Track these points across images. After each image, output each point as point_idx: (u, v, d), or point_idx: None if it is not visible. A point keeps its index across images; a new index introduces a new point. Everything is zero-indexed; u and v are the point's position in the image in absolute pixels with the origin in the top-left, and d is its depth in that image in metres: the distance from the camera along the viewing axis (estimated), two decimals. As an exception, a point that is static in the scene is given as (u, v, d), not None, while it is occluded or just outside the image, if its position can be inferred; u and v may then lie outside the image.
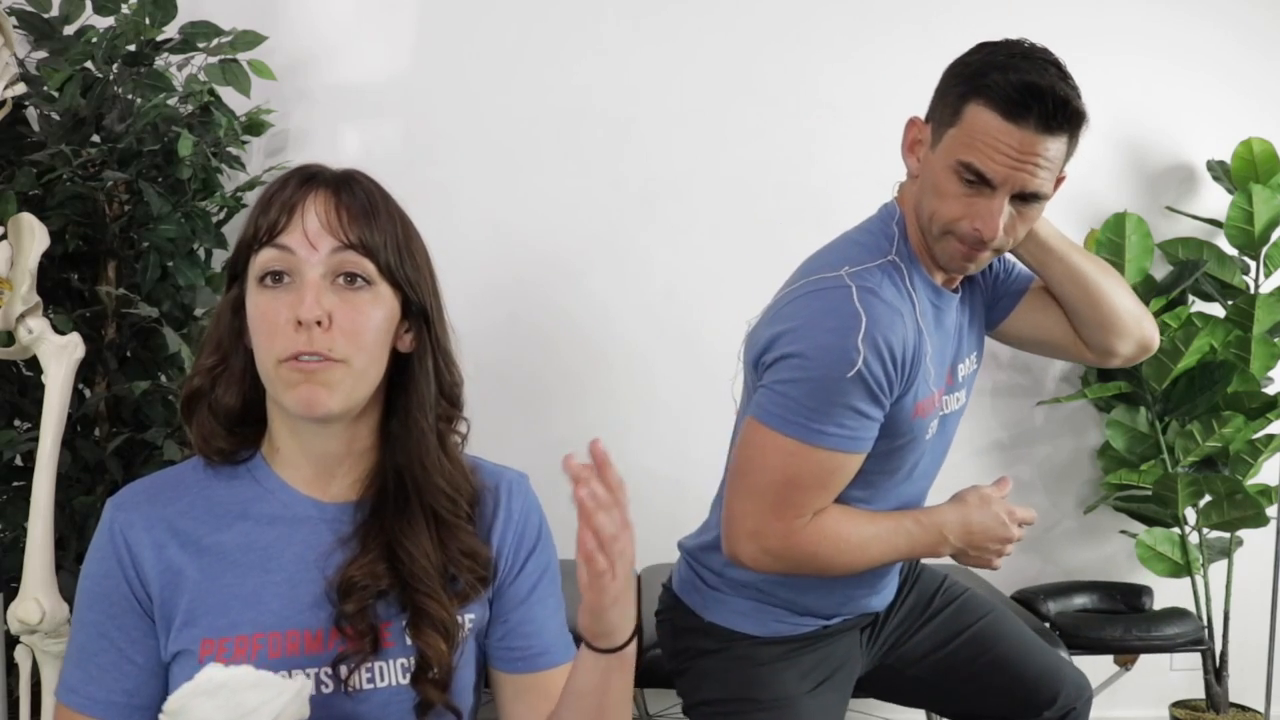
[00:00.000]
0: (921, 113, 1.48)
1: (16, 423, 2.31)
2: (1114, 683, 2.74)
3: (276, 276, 0.99)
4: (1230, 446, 2.69)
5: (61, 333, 1.89)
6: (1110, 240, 2.73)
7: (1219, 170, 2.80)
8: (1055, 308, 1.63)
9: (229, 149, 2.47)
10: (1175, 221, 2.86)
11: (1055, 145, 1.36)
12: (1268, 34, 2.90)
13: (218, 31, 2.41)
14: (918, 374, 1.42)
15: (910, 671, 1.70)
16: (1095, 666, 2.51)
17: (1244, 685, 2.75)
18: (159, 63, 2.41)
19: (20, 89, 2.00)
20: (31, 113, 2.40)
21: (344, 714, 1.01)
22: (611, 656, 0.97)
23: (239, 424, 1.06)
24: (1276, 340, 2.72)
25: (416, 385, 1.06)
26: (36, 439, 1.85)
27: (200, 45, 2.41)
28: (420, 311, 1.05)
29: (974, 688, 1.69)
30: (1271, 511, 2.66)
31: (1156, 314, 2.69)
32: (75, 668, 1.03)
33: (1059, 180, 1.42)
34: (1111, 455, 2.82)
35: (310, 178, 1.02)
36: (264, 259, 0.99)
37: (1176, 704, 2.83)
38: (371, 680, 1.02)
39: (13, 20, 2.30)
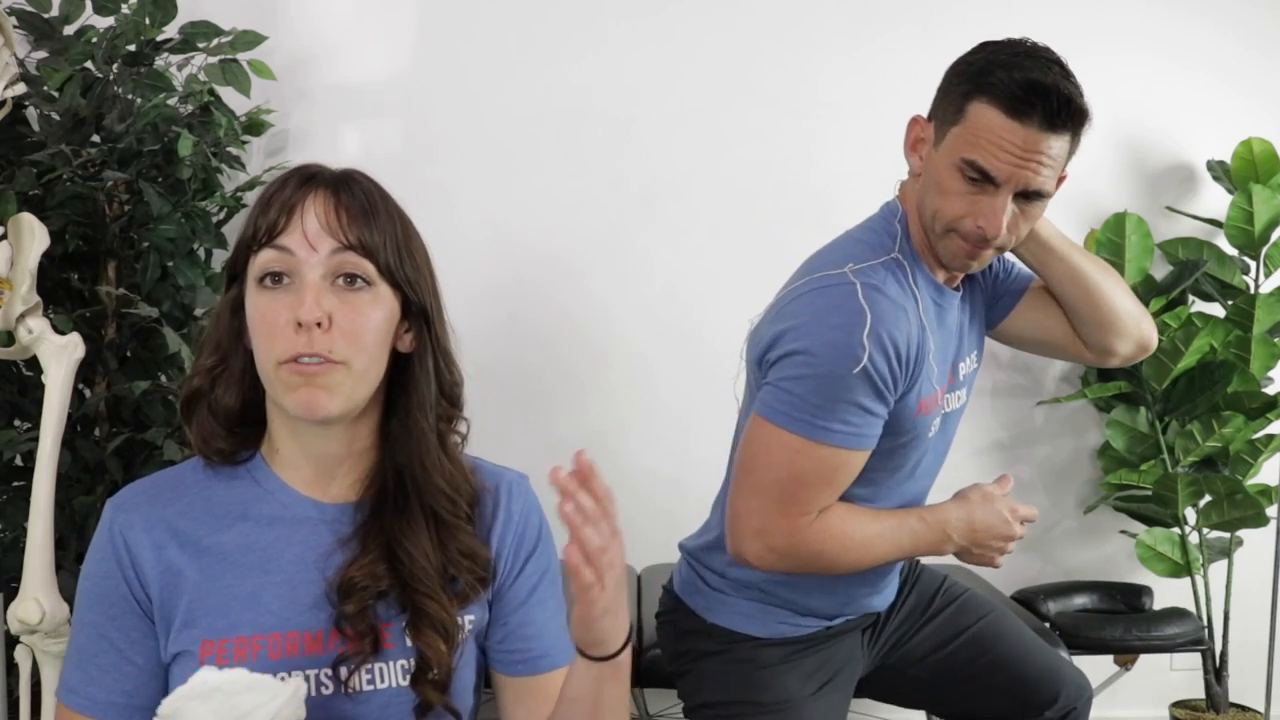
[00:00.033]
0: (921, 112, 1.48)
1: (16, 423, 2.31)
2: (1114, 683, 2.74)
3: (276, 277, 0.99)
4: (1230, 446, 2.69)
5: (61, 333, 1.89)
6: (1110, 240, 2.73)
7: (1219, 170, 2.80)
8: (1055, 307, 1.63)
9: (229, 149, 2.47)
10: (1175, 221, 2.86)
11: (1058, 143, 1.36)
12: (1268, 34, 2.90)
13: (218, 31, 2.41)
14: (921, 371, 1.42)
15: (911, 672, 1.70)
16: (1095, 666, 2.50)
17: (1244, 685, 2.75)
18: (159, 63, 2.41)
19: (20, 89, 2.00)
20: (31, 113, 2.41)
21: (343, 715, 1.01)
22: (604, 665, 0.97)
23: (239, 424, 1.06)
24: (1276, 340, 2.72)
25: (417, 385, 1.05)
26: (36, 439, 1.85)
27: (200, 45, 2.41)
28: (420, 311, 1.05)
29: (975, 688, 1.69)
30: (1271, 511, 2.65)
31: (1156, 314, 2.69)
32: (75, 668, 1.03)
33: (1060, 179, 1.42)
34: (1111, 455, 2.82)
35: (310, 178, 1.02)
36: (263, 260, 0.99)
37: (1176, 704, 2.83)
38: (371, 681, 1.02)
39: (13, 20, 2.30)
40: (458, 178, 2.76)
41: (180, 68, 2.46)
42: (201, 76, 2.43)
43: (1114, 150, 2.88)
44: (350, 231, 0.99)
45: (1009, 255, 1.60)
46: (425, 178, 2.73)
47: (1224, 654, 2.73)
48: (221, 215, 2.49)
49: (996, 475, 1.59)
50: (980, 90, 1.36)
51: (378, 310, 1.01)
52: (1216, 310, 2.80)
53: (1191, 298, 2.81)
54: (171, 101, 2.36)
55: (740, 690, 1.55)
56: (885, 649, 1.70)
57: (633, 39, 2.79)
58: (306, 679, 0.99)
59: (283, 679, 0.93)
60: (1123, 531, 2.88)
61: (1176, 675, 2.93)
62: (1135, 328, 1.61)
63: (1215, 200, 2.84)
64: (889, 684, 1.74)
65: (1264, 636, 2.69)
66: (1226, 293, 2.78)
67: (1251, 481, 2.73)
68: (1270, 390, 2.74)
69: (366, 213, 1.01)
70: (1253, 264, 2.75)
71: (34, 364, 2.01)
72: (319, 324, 0.97)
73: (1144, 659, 2.71)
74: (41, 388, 1.86)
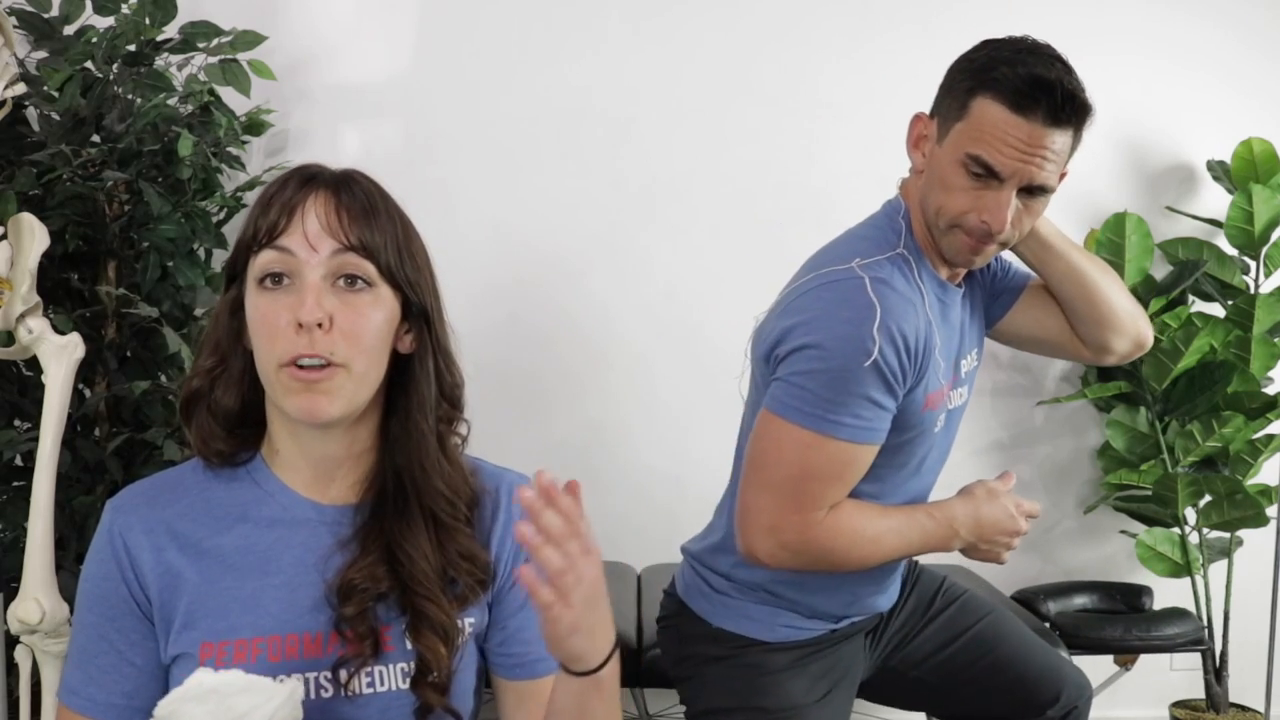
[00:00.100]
0: (922, 112, 1.48)
1: (16, 423, 2.31)
2: (1114, 683, 2.74)
3: (276, 278, 0.99)
4: (1230, 446, 2.69)
5: (61, 333, 1.89)
6: (1110, 240, 2.73)
7: (1219, 170, 2.80)
8: (1053, 305, 1.64)
9: (229, 149, 2.47)
10: (1175, 221, 2.86)
11: (1062, 138, 1.37)
12: (1268, 34, 2.90)
13: (218, 31, 2.41)
14: (929, 365, 1.43)
15: (913, 674, 1.70)
16: (1095, 666, 2.50)
17: (1244, 685, 2.75)
18: (159, 63, 2.41)
19: (20, 89, 2.00)
20: (31, 113, 2.41)
21: (343, 718, 1.00)
22: (585, 680, 0.94)
23: (238, 425, 1.06)
24: (1276, 340, 2.72)
25: (417, 386, 1.05)
26: (36, 439, 1.85)
27: (200, 45, 2.41)
28: (421, 312, 1.05)
29: (976, 689, 1.69)
30: (1271, 511, 2.65)
31: (1156, 314, 2.69)
32: (76, 669, 1.03)
33: (1062, 175, 1.42)
34: (1111, 455, 2.82)
35: (310, 178, 1.02)
36: (264, 260, 0.99)
37: (1176, 704, 2.83)
38: (371, 684, 1.01)
39: (13, 20, 2.30)
40: (458, 178, 2.76)
41: (180, 68, 2.46)
42: (201, 76, 2.43)
43: (1114, 150, 2.88)
44: (351, 232, 0.99)
45: (1007, 254, 1.60)
46: (425, 178, 2.73)
47: (1224, 654, 2.73)
48: (221, 215, 2.49)
49: (997, 475, 1.59)
50: (984, 86, 1.36)
51: (378, 311, 1.01)
52: (1216, 310, 2.80)
53: (1191, 298, 2.81)
54: (171, 101, 2.36)
55: (745, 696, 1.55)
56: (887, 651, 1.69)
57: (633, 39, 2.79)
58: (306, 681, 0.99)
59: (280, 681, 0.93)
60: (1123, 531, 2.88)
61: (1176, 675, 2.93)
62: (1132, 325, 1.62)
63: (1215, 200, 2.84)
64: (890, 686, 1.74)
65: (1264, 636, 2.69)
66: (1226, 293, 2.78)
67: (1251, 481, 2.73)
68: (1270, 390, 2.74)
69: (367, 213, 1.01)
70: (1253, 264, 2.75)
71: (34, 364, 2.01)
72: (320, 325, 0.97)
73: (1144, 659, 2.71)
74: (41, 388, 1.86)
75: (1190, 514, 2.74)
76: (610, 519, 2.62)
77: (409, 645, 1.02)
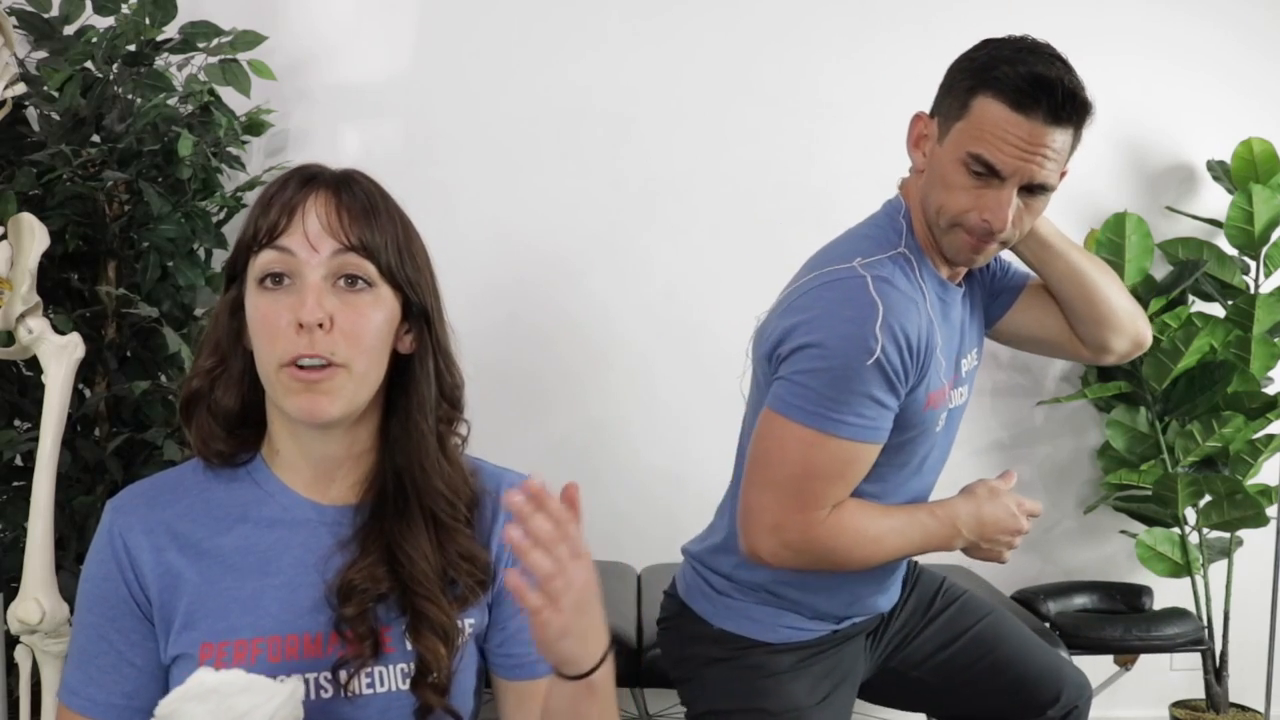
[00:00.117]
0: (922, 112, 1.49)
1: (16, 423, 2.31)
2: (1114, 683, 2.74)
3: (276, 278, 0.99)
4: (1230, 446, 2.69)
5: (61, 333, 1.89)
6: (1110, 240, 2.73)
7: (1219, 170, 2.80)
8: (1052, 304, 1.64)
9: (229, 149, 2.47)
10: (1175, 221, 2.86)
11: (1062, 137, 1.37)
12: (1268, 34, 2.90)
13: (218, 31, 2.41)
14: (930, 364, 1.43)
15: (913, 674, 1.70)
16: (1095, 666, 2.51)
17: (1244, 685, 2.75)
18: (159, 63, 2.41)
19: (20, 89, 2.00)
20: (31, 113, 2.41)
21: (342, 719, 1.00)
22: (578, 683, 0.94)
23: (238, 426, 1.06)
24: (1276, 340, 2.72)
25: (417, 386, 1.05)
26: (36, 439, 1.85)
27: (200, 45, 2.41)
28: (421, 312, 1.05)
29: (976, 689, 1.69)
30: (1271, 511, 2.65)
31: (1156, 314, 2.69)
32: (76, 669, 1.03)
33: (1062, 174, 1.43)
34: (1111, 455, 2.82)
35: (310, 179, 1.02)
36: (264, 261, 0.99)
37: (1176, 704, 2.83)
38: (371, 685, 1.01)
39: (13, 20, 2.30)
40: (458, 178, 2.76)
41: (180, 68, 2.46)
42: (201, 76, 2.43)
43: (1114, 150, 2.88)
44: (351, 232, 0.99)
45: (1006, 254, 1.60)
46: (425, 178, 2.73)
47: (1224, 654, 2.73)
48: (221, 215, 2.49)
49: (998, 474, 1.59)
50: (985, 85, 1.37)
51: (379, 311, 1.01)
52: (1216, 310, 2.80)
53: (1191, 298, 2.81)
54: (171, 101, 2.36)
55: (747, 697, 1.55)
56: (887, 652, 1.69)
57: (633, 39, 2.79)
58: (306, 682, 0.99)
59: (281, 680, 0.93)
60: (1123, 531, 2.88)
61: (1176, 675, 2.93)
62: (1131, 325, 1.62)
63: (1215, 200, 2.84)
64: (890, 687, 1.74)
65: (1264, 636, 2.69)
66: (1226, 293, 2.78)
67: (1251, 481, 2.73)
68: (1270, 390, 2.74)
69: (368, 213, 1.01)
70: (1253, 264, 2.75)
71: (34, 364, 2.01)
72: (320, 325, 0.97)
73: (1144, 659, 2.71)
74: (41, 388, 1.86)
75: (1190, 514, 2.74)
76: (610, 519, 2.62)
77: (409, 646, 1.02)
